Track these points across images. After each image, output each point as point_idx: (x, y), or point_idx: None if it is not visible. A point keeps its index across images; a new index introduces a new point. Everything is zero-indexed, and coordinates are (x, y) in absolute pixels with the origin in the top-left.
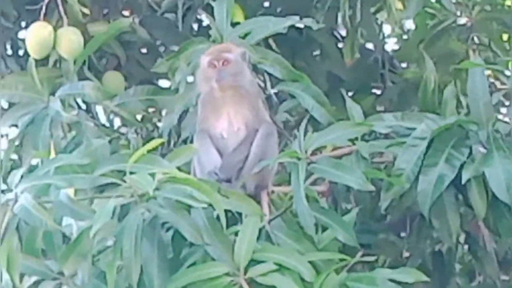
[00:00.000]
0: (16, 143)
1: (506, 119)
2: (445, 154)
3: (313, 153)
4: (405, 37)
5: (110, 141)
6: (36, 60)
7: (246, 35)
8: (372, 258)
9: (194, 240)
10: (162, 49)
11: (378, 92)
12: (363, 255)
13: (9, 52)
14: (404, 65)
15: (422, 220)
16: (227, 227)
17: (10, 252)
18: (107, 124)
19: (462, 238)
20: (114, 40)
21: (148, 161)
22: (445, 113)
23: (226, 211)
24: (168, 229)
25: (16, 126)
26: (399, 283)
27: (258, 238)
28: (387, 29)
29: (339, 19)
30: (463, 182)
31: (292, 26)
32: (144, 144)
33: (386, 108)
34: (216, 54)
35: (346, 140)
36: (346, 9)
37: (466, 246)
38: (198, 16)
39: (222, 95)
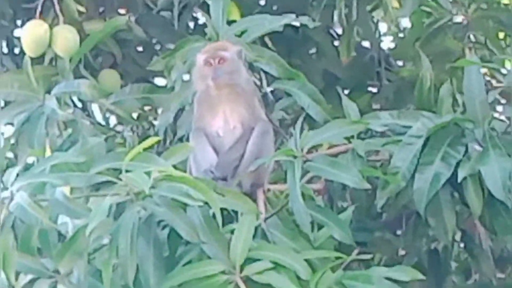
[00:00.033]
0: (12, 141)
1: (502, 117)
2: (441, 152)
3: (309, 151)
4: (401, 35)
5: (106, 139)
6: (31, 58)
7: (242, 33)
8: (368, 256)
9: (190, 238)
10: (158, 47)
11: (374, 90)
12: (359, 253)
13: (5, 50)
14: (400, 63)
15: (418, 218)
16: (223, 225)
17: (5, 250)
18: (103, 122)
19: (458, 236)
20: (110, 38)
21: (144, 159)
22: (441, 111)
23: (222, 209)
24: (164, 227)
25: (11, 124)
26: (395, 281)
27: (254, 236)
28: (383, 27)
29: (335, 17)
30: (459, 180)
31: (288, 24)
32: (140, 142)
33: (382, 106)
34: (212, 52)
35: (342, 138)
36: (342, 7)
37: (462, 244)
38: (194, 14)
39: (218, 93)
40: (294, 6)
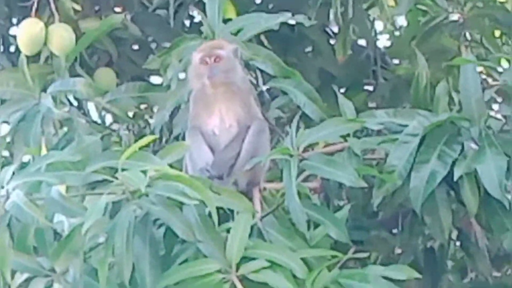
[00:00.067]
0: (8, 139)
1: (498, 116)
2: (437, 150)
3: (305, 149)
4: (397, 33)
5: (101, 138)
6: (27, 57)
7: (238, 31)
8: (364, 255)
9: (186, 237)
10: (153, 45)
11: (370, 88)
12: (355, 252)
13: (1, 48)
14: (396, 61)
15: (414, 216)
16: (219, 224)
17: (1, 249)
18: (99, 121)
19: (454, 235)
20: (106, 36)
21: (140, 158)
22: (437, 109)
23: (218, 208)
24: (160, 226)
25: (7, 122)
26: (391, 280)
27: (250, 235)
28: (379, 25)
29: (331, 16)
30: (455, 178)
31: (284, 23)
32: (136, 141)
33: (378, 104)
34: (208, 51)
35: (338, 137)
36: (338, 5)
37: (458, 243)
38: (190, 13)
39: (214, 92)
40: (290, 4)
